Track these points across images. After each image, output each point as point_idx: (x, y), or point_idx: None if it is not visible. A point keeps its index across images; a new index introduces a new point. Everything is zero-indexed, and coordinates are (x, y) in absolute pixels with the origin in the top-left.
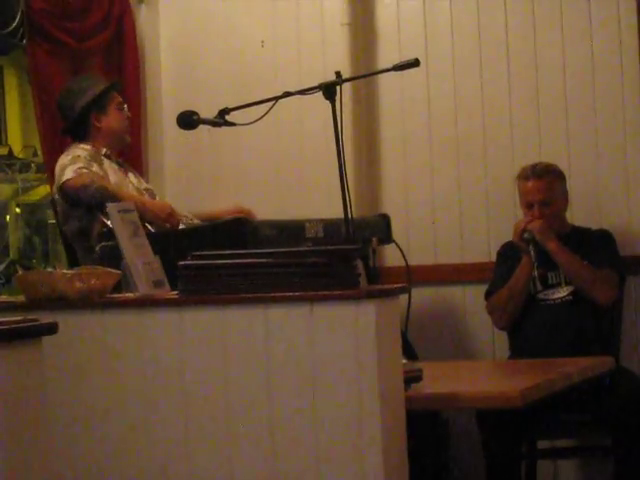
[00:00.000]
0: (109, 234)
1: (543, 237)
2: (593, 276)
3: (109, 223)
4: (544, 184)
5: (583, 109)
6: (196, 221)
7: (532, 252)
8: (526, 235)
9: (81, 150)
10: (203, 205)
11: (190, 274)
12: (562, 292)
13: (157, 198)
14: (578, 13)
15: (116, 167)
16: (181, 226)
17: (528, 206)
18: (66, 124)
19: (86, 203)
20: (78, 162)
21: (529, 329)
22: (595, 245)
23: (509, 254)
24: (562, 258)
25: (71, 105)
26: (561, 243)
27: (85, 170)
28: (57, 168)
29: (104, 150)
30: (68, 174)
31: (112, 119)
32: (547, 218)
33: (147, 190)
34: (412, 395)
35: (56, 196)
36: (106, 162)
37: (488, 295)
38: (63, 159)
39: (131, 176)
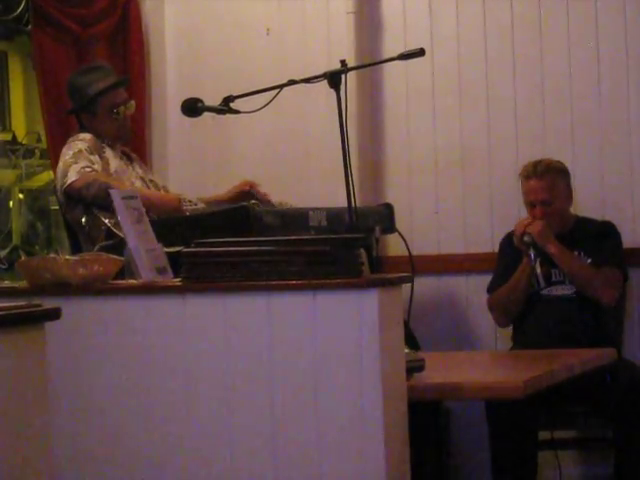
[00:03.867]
0: (109, 233)
1: (543, 240)
2: (595, 277)
3: (107, 222)
4: (546, 183)
5: (588, 101)
6: (200, 205)
7: (532, 255)
8: (526, 238)
9: (82, 142)
10: (206, 193)
11: (193, 261)
12: (565, 289)
13: (161, 190)
14: (584, 5)
15: (119, 155)
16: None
17: (530, 205)
18: (70, 109)
19: (90, 201)
20: (80, 160)
21: (532, 325)
22: (598, 240)
23: (511, 246)
24: (563, 261)
25: (70, 97)
26: (562, 243)
27: (88, 169)
28: (60, 165)
29: (106, 139)
30: (72, 176)
31: (102, 122)
32: (549, 217)
33: (152, 182)
34: (414, 385)
35: (57, 187)
36: (108, 150)
37: (490, 290)
38: (66, 154)
39: (136, 166)
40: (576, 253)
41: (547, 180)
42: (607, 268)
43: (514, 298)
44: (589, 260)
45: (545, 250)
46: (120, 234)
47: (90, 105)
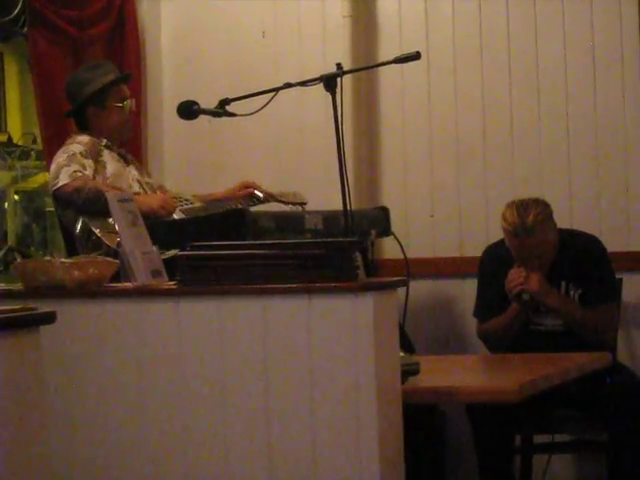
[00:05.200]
0: (99, 243)
1: (543, 296)
2: (596, 322)
3: (97, 232)
4: (537, 239)
5: (584, 103)
6: (197, 204)
7: (530, 307)
8: (524, 297)
9: (78, 145)
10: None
11: (188, 264)
12: (554, 320)
13: (157, 192)
14: (580, 7)
15: (117, 157)
16: (180, 214)
17: (522, 259)
18: (70, 110)
19: (80, 206)
20: (73, 163)
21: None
22: (585, 267)
23: (495, 265)
24: (564, 312)
25: (73, 94)
26: (549, 271)
27: (79, 174)
28: (53, 166)
29: (104, 141)
30: (62, 179)
31: (109, 115)
32: (543, 266)
33: (148, 184)
34: (409, 388)
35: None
36: (106, 152)
37: (478, 316)
38: (60, 157)
39: (132, 168)
40: (564, 283)
41: (538, 236)
42: (603, 306)
43: (507, 335)
44: (579, 291)
45: (545, 304)
46: (109, 244)
47: (100, 96)
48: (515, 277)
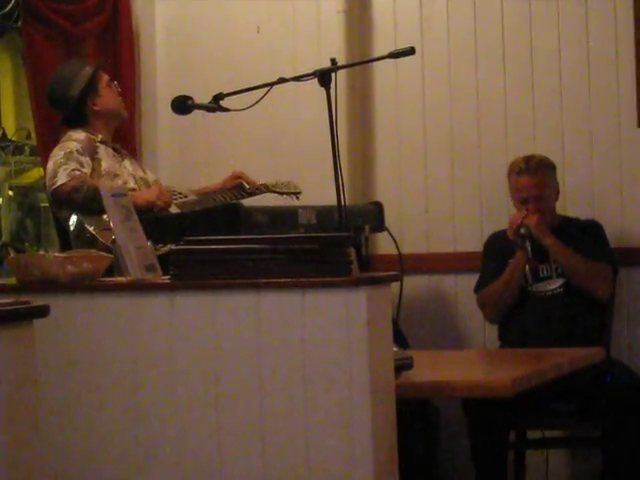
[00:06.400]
0: (91, 239)
1: (540, 232)
2: (590, 270)
3: (91, 229)
4: (538, 179)
5: (578, 100)
6: (191, 196)
7: (529, 247)
8: (522, 231)
9: (74, 143)
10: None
11: (182, 259)
12: (553, 284)
13: (152, 186)
14: (574, 3)
15: (112, 153)
16: (174, 208)
17: (522, 201)
18: (64, 114)
19: (79, 204)
20: (71, 161)
21: (520, 322)
22: (586, 237)
23: (497, 247)
24: (559, 253)
25: (65, 94)
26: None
27: (77, 172)
28: (50, 164)
29: (100, 136)
30: (61, 178)
31: (106, 98)
32: (542, 212)
33: (142, 179)
34: (402, 383)
35: (47, 187)
36: (101, 148)
37: (478, 289)
38: (57, 154)
39: (127, 163)
40: None
41: (539, 176)
42: (599, 263)
43: (508, 293)
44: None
45: (541, 242)
46: (103, 241)
47: (93, 83)
48: (516, 215)
